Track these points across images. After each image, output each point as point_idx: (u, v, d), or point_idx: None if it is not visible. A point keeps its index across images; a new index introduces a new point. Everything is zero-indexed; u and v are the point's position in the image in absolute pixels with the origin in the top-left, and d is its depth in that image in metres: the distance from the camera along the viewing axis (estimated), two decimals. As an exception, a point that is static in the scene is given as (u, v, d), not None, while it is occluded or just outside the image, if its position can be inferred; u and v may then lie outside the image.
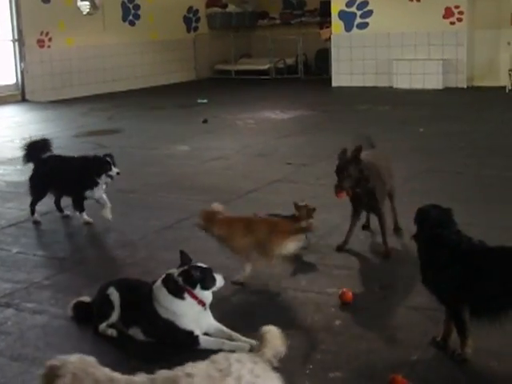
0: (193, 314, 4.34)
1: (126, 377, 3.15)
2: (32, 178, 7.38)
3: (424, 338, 4.42)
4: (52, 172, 7.25)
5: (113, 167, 6.99)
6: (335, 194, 5.77)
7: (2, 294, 5.39)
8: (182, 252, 4.47)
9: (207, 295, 4.36)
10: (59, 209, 7.44)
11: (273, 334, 3.28)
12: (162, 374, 3.14)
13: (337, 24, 18.82)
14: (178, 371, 3.13)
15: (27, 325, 4.84)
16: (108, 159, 7.03)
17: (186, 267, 4.34)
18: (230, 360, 3.13)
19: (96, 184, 6.99)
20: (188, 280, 4.30)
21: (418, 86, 17.37)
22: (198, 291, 4.31)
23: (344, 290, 5.03)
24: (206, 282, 4.33)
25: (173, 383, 3.05)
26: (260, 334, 3.30)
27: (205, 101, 16.15)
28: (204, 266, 4.40)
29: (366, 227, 6.67)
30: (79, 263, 6.01)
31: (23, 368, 4.27)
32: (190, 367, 3.14)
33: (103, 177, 6.98)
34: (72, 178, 7.12)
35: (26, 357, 4.40)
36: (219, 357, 3.19)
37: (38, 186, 7.31)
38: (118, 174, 7.03)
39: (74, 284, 5.55)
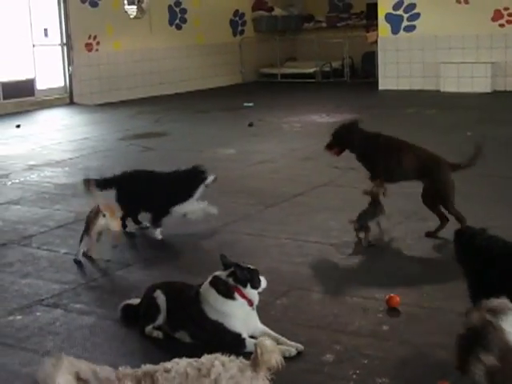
0: (242, 315, 4.35)
1: (112, 369, 3.21)
2: (119, 200, 6.91)
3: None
4: (141, 189, 6.92)
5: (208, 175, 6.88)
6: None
7: (51, 294, 5.46)
8: (222, 255, 4.48)
9: (255, 295, 4.39)
10: (136, 222, 7.13)
11: (269, 347, 3.21)
12: (144, 367, 3.25)
13: (383, 27, 18.69)
14: (160, 366, 3.22)
15: (75, 325, 4.89)
16: (202, 169, 6.91)
17: (235, 268, 4.35)
18: (214, 362, 3.19)
19: (190, 197, 6.80)
20: (238, 279, 4.33)
21: (465, 89, 17.15)
22: (247, 290, 4.34)
23: (391, 294, 4.98)
24: (255, 281, 4.36)
25: (151, 377, 3.15)
26: (256, 345, 3.24)
27: (251, 104, 16.17)
28: (251, 266, 4.41)
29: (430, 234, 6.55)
30: (126, 265, 6.05)
31: (71, 368, 4.31)
32: (171, 363, 3.24)
33: (201, 187, 6.84)
34: (163, 193, 6.84)
35: (73, 356, 4.42)
36: (206, 357, 3.27)
37: (129, 205, 6.99)
38: (215, 179, 6.94)
39: (120, 286, 5.59)
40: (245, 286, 4.33)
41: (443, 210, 6.54)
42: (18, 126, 14.38)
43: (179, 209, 6.81)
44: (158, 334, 4.56)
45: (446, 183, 6.55)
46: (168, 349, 4.47)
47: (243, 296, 4.33)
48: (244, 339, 4.32)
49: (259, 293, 4.42)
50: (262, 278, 4.42)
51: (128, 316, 4.83)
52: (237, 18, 22.08)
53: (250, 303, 4.37)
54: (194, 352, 4.36)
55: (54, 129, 14.26)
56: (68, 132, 13.74)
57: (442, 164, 6.69)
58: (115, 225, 6.25)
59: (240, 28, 22.24)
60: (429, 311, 4.91)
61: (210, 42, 20.79)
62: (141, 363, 4.26)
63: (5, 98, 16.44)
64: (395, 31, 18.51)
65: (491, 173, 8.90)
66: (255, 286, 4.36)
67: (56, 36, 17.61)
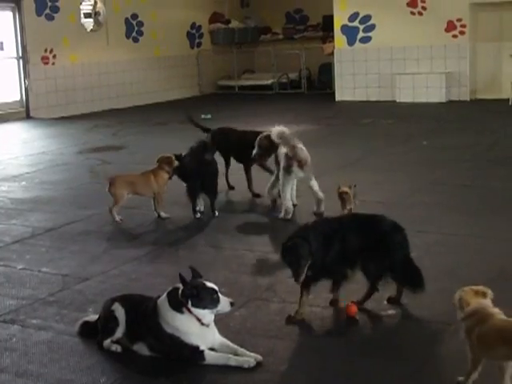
0: (195, 329, 4.30)
1: None
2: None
3: (426, 352, 4.40)
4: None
5: None
6: None
7: (8, 310, 5.40)
8: (192, 268, 4.45)
9: (204, 314, 4.29)
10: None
11: None
12: None
13: (339, 38, 18.87)
14: None
15: (32, 341, 4.84)
16: None
17: (181, 283, 4.30)
18: None
19: None
20: (183, 295, 4.28)
21: (421, 99, 17.38)
22: (193, 308, 4.27)
23: (349, 303, 5.01)
24: (199, 300, 4.26)
25: None
26: None
27: (209, 116, 16.16)
28: (209, 285, 4.33)
29: None
30: (83, 279, 6.00)
31: (28, 384, 4.28)
32: None
33: None
34: None
35: (31, 373, 4.39)
36: None
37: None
38: None
39: (78, 300, 5.54)
40: (186, 303, 4.26)
41: None
42: (-27, 141, 14.21)
43: None
44: (116, 347, 4.53)
45: None
46: (126, 362, 4.46)
47: (191, 312, 4.29)
48: (202, 351, 4.31)
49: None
50: (224, 300, 4.30)
51: (86, 332, 4.79)
52: (194, 31, 22.11)
53: (200, 321, 4.30)
54: (153, 364, 4.39)
55: (10, 143, 14.12)
56: (25, 146, 13.61)
57: None
58: None
59: (197, 40, 22.27)
60: (386, 319, 4.95)
61: (167, 54, 20.80)
62: (99, 377, 4.28)
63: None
64: (351, 42, 18.70)
65: (445, 181, 9.04)
66: (200, 305, 4.26)
67: (12, 49, 17.44)
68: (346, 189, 7.09)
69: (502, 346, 3.59)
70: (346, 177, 9.42)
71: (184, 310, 4.28)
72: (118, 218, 7.60)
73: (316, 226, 5.03)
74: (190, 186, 7.68)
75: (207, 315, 4.31)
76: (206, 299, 4.27)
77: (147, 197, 7.87)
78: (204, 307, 4.27)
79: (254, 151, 7.90)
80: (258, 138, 7.91)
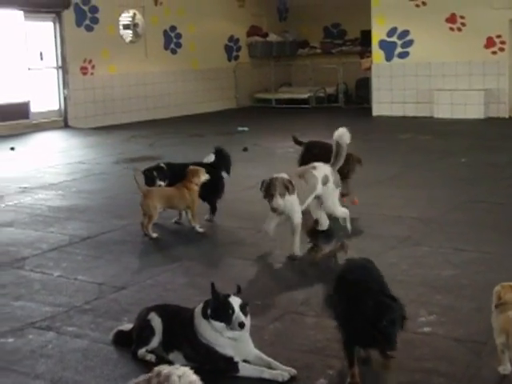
0: (227, 341, 4.29)
1: None
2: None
3: (467, 371, 4.34)
4: None
5: None
6: None
7: (44, 317, 5.43)
8: (212, 284, 4.40)
9: (220, 327, 4.26)
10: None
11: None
12: None
13: (377, 53, 18.84)
14: None
15: (68, 348, 4.86)
16: None
17: (214, 297, 4.32)
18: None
19: None
20: (203, 309, 4.33)
21: (459, 116, 17.26)
22: (210, 319, 4.28)
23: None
24: (217, 313, 4.25)
25: None
26: None
27: (245, 129, 16.21)
28: (229, 299, 4.29)
29: None
30: (118, 288, 6.02)
31: (63, 392, 4.30)
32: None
33: None
34: None
35: (66, 380, 4.40)
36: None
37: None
38: None
39: (113, 309, 5.55)
40: (209, 315, 4.28)
41: None
42: (13, 149, 14.38)
43: None
44: (151, 357, 4.53)
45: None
46: (161, 372, 4.45)
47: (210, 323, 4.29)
48: (236, 363, 4.29)
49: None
50: (236, 319, 4.23)
51: (120, 340, 4.80)
52: (232, 44, 22.22)
53: (219, 333, 4.28)
54: (187, 376, 4.38)
55: (48, 152, 14.27)
56: (62, 155, 13.75)
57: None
58: None
59: (235, 53, 22.38)
60: (423, 337, 4.89)
61: (204, 66, 20.92)
62: (134, 387, 4.27)
63: (1, 120, 16.44)
64: (389, 58, 18.64)
65: (483, 199, 8.93)
66: (219, 319, 4.24)
67: (51, 59, 17.67)
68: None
69: None
70: (382, 192, 9.38)
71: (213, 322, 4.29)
72: (154, 235, 7.55)
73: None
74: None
75: (225, 330, 4.26)
76: (222, 314, 4.24)
77: (180, 210, 7.89)
78: (221, 321, 4.25)
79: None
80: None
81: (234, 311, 4.25)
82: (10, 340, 5.04)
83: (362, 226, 7.72)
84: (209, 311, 4.28)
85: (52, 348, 4.88)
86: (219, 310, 4.25)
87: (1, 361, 4.70)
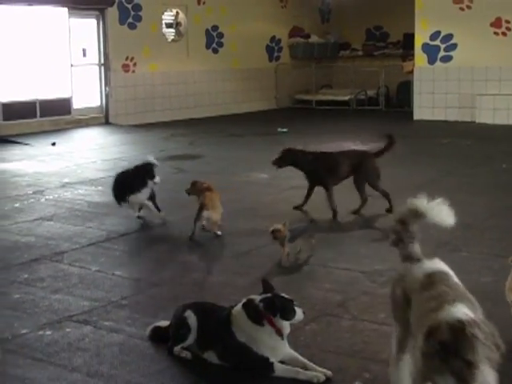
0: (269, 341, 4.30)
1: None
2: None
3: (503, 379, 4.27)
4: None
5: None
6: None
7: (81, 311, 5.48)
8: (264, 280, 4.47)
9: (286, 325, 4.31)
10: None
11: None
12: None
13: (420, 57, 18.67)
14: None
15: (104, 342, 4.89)
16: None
17: (268, 295, 4.32)
18: None
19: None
20: (269, 307, 4.27)
21: (502, 121, 17.03)
22: (277, 320, 4.27)
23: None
24: (287, 312, 4.29)
25: None
26: None
27: (285, 130, 16.18)
28: (286, 296, 4.36)
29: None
30: (155, 285, 6.05)
31: (99, 385, 4.32)
32: None
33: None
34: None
35: (102, 374, 4.43)
36: None
37: None
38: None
39: (149, 305, 5.59)
40: (274, 315, 4.27)
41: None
42: (54, 144, 14.54)
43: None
44: (186, 354, 4.54)
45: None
46: (196, 370, 4.46)
47: (272, 324, 4.28)
48: (272, 363, 4.28)
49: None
50: (299, 310, 4.34)
51: (157, 337, 4.82)
52: (273, 44, 22.22)
53: (279, 333, 4.30)
54: (222, 373, 4.39)
55: (88, 148, 14.40)
56: (102, 151, 13.86)
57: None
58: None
59: (276, 54, 22.37)
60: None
61: (245, 66, 20.93)
62: (168, 383, 4.30)
63: (42, 116, 16.65)
64: (432, 61, 18.47)
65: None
66: (287, 317, 4.29)
67: (94, 56, 17.85)
68: (279, 226, 6.50)
69: None
70: (419, 196, 9.27)
71: (264, 322, 4.28)
72: (219, 233, 7.48)
73: None
74: None
75: (288, 327, 4.33)
76: (290, 311, 4.30)
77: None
78: (288, 319, 4.30)
79: None
80: None
81: (295, 310, 4.30)
82: (48, 333, 5.09)
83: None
84: (278, 314, 4.26)
85: (89, 342, 4.91)
86: (287, 309, 4.29)
87: (38, 353, 4.75)
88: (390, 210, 8.27)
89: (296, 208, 8.51)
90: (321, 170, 8.44)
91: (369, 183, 8.53)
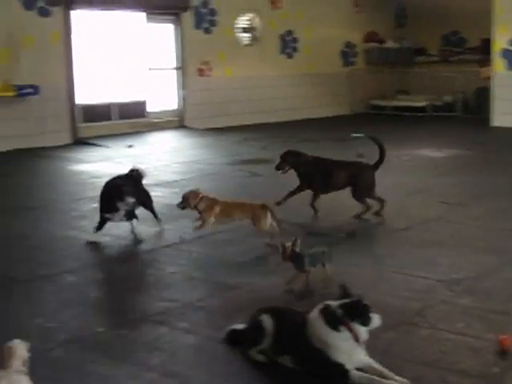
0: (346, 348, 4.25)
1: None
2: None
3: None
4: None
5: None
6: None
7: (158, 311, 5.53)
8: (342, 285, 4.44)
9: (363, 332, 4.27)
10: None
11: (17, 345, 3.55)
12: None
13: (498, 62, 18.30)
14: None
15: (180, 343, 4.93)
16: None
17: (347, 300, 4.29)
18: None
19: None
20: (348, 313, 4.24)
21: None
22: (355, 326, 4.24)
23: (503, 336, 4.80)
24: (365, 318, 4.25)
25: None
26: (5, 348, 3.54)
27: (360, 135, 16.01)
28: (364, 302, 4.32)
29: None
30: (232, 288, 6.06)
31: (174, 386, 4.36)
32: None
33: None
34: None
35: (177, 374, 4.46)
36: None
37: None
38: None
39: (226, 308, 5.59)
40: (353, 321, 4.24)
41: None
42: (130, 146, 14.77)
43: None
44: (261, 357, 4.54)
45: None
46: (270, 374, 4.45)
47: (350, 330, 4.24)
48: (347, 371, 4.24)
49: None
50: (376, 316, 4.30)
51: (232, 339, 4.83)
52: (347, 49, 22.11)
53: (356, 338, 4.26)
54: (296, 378, 4.37)
55: (163, 151, 14.58)
56: (177, 154, 14.02)
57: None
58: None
59: (350, 59, 22.25)
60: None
61: (319, 71, 20.88)
62: (248, 385, 4.30)
63: (118, 119, 16.95)
64: (511, 67, 18.08)
65: None
66: (365, 323, 4.25)
67: (170, 60, 18.07)
68: (288, 244, 5.98)
69: None
70: (499, 205, 9.09)
71: (342, 328, 4.23)
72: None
73: None
74: None
75: (365, 333, 4.29)
76: (368, 317, 4.26)
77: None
78: (366, 325, 4.26)
79: None
80: None
81: (373, 316, 4.28)
82: (125, 332, 5.16)
83: (478, 238, 7.50)
84: (357, 319, 4.24)
85: (165, 342, 4.96)
86: (366, 315, 4.25)
87: (116, 351, 4.82)
88: (378, 213, 8.46)
89: (278, 204, 8.43)
90: (316, 175, 8.63)
91: (366, 196, 8.56)
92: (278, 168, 8.82)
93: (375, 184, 8.59)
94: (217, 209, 7.34)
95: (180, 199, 7.56)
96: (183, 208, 7.55)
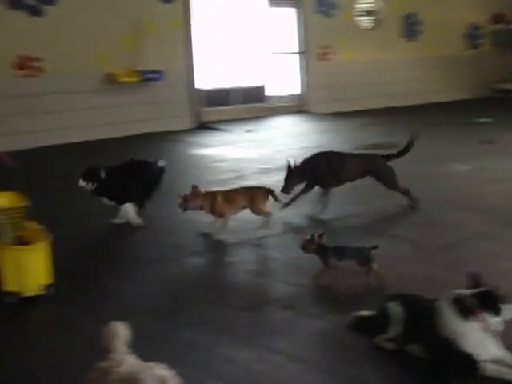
0: (476, 338, 4.14)
1: None
2: None
3: None
4: None
5: None
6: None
7: (283, 295, 5.57)
8: (472, 274, 4.31)
9: (498, 323, 4.14)
10: None
11: (118, 327, 3.56)
12: None
13: None
14: None
15: (305, 328, 4.94)
16: None
17: (480, 289, 4.17)
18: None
19: None
20: (482, 302, 4.13)
21: None
22: (488, 316, 4.12)
23: None
24: (498, 308, 4.12)
25: None
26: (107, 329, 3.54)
27: (488, 120, 15.51)
28: (498, 291, 4.19)
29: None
30: (359, 274, 5.98)
31: (300, 369, 4.37)
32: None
33: None
34: None
35: (303, 359, 4.48)
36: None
37: None
38: None
39: (352, 294, 5.55)
40: (486, 311, 4.12)
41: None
42: (250, 131, 14.90)
43: None
44: (389, 345, 4.48)
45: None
46: (398, 361, 4.39)
47: (481, 320, 4.12)
48: (477, 361, 4.12)
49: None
50: (510, 307, 4.15)
51: (359, 326, 4.80)
52: (472, 31, 21.46)
53: (488, 329, 4.14)
54: (424, 367, 4.28)
55: (284, 135, 14.61)
56: (298, 139, 14.00)
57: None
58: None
59: (475, 41, 21.58)
60: None
61: (442, 54, 20.36)
62: (372, 374, 4.25)
63: (240, 103, 17.10)
64: None
65: None
66: (498, 313, 4.12)
67: (292, 44, 18.07)
68: (313, 236, 5.80)
69: None
70: None
71: (471, 317, 4.13)
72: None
73: None
74: None
75: (499, 324, 4.15)
76: (501, 307, 4.13)
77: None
78: (499, 315, 4.13)
79: None
80: None
81: (504, 307, 4.15)
82: (252, 314, 5.21)
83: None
84: (488, 303, 4.14)
85: (290, 326, 4.98)
86: (497, 303, 4.14)
87: (241, 334, 4.89)
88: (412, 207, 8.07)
89: (285, 206, 7.93)
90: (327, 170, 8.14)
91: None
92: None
93: (394, 173, 8.23)
94: (219, 199, 7.13)
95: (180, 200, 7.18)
96: (185, 210, 7.17)
